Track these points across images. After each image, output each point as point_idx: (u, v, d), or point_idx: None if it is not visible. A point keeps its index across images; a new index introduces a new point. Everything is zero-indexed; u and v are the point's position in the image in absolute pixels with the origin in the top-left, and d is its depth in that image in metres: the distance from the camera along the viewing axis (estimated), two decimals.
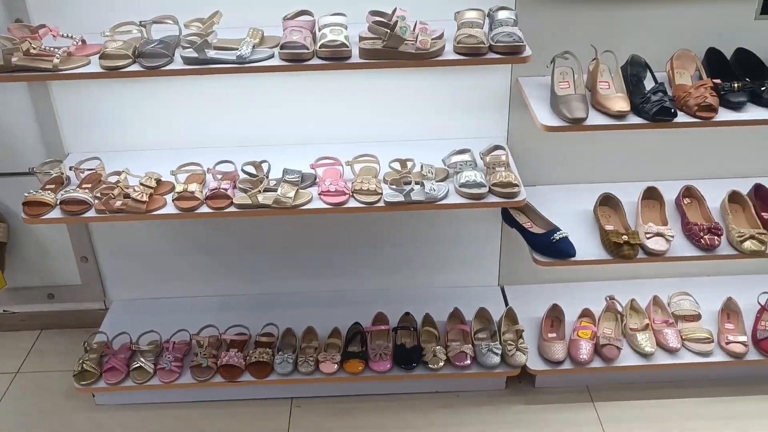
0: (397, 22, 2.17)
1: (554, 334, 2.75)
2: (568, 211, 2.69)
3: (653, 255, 2.45)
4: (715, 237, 2.47)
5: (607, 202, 2.68)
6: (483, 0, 2.38)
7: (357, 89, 2.62)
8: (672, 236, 2.48)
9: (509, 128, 2.71)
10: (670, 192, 2.70)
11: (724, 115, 2.32)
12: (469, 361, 2.66)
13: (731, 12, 2.50)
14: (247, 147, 2.68)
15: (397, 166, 2.47)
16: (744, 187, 2.70)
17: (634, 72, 2.48)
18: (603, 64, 2.46)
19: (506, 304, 2.94)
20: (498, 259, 3.01)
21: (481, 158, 2.50)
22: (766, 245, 2.44)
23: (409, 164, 2.48)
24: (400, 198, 2.35)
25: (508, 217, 2.65)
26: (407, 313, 2.85)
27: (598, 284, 2.99)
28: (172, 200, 2.39)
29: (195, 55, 2.19)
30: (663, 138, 2.70)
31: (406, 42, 2.20)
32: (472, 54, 2.21)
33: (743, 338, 2.67)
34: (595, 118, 2.33)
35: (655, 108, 2.28)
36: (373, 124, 2.69)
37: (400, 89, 2.63)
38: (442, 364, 2.64)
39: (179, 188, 2.39)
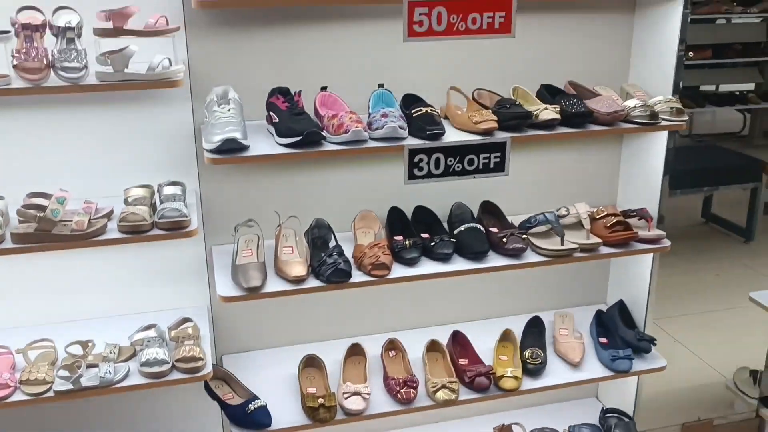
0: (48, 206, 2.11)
1: None
2: (276, 376, 2.64)
3: (351, 414, 2.44)
4: (411, 390, 2.51)
5: (312, 363, 2.66)
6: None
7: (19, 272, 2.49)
8: (368, 394, 2.49)
9: (211, 296, 2.67)
10: (377, 346, 2.74)
11: (398, 271, 2.43)
12: None
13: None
14: None
15: (75, 349, 2.33)
16: (445, 335, 2.81)
17: (320, 234, 2.56)
18: (289, 228, 2.52)
19: None
20: None
21: (169, 332, 2.42)
22: (456, 393, 2.52)
23: (90, 345, 2.35)
24: (69, 386, 2.19)
25: (208, 390, 2.55)
26: None
27: None
28: None
29: None
30: (365, 294, 2.77)
31: (62, 223, 2.13)
32: (135, 231, 2.18)
33: None
34: (276, 285, 2.35)
35: (330, 270, 2.34)
36: (57, 303, 2.55)
37: (82, 267, 2.52)
38: None
39: None
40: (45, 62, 2.02)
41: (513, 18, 2.25)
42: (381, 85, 2.47)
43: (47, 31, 2.07)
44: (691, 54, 5.57)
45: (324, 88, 2.46)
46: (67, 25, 2.06)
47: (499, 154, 2.34)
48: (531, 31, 2.60)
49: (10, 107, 2.28)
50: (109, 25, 2.09)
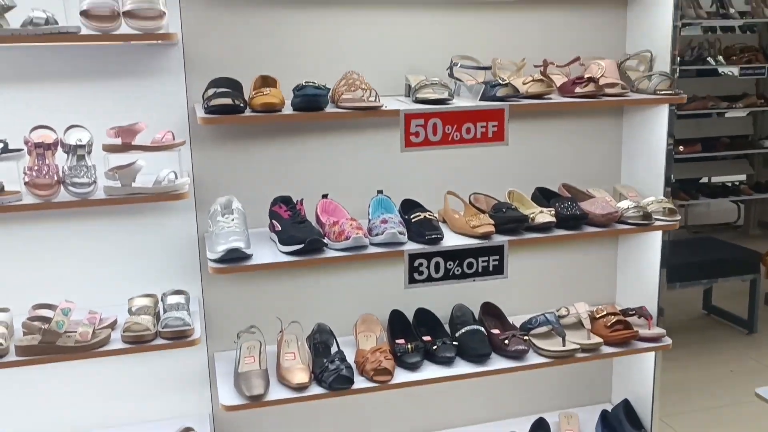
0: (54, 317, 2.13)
1: None
2: None
3: None
4: None
5: None
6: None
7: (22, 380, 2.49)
8: None
9: (213, 403, 2.65)
10: None
11: (401, 376, 2.42)
12: None
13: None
14: None
15: None
16: None
17: (322, 339, 2.56)
18: (291, 334, 2.53)
19: None
20: None
21: None
22: None
23: None
24: None
25: None
26: None
27: None
28: None
29: None
30: (368, 398, 2.74)
31: (67, 334, 2.15)
32: (138, 342, 2.19)
33: None
34: (279, 392, 2.34)
35: (332, 377, 2.34)
36: (60, 413, 2.53)
37: (86, 376, 2.52)
38: None
39: None
40: (56, 179, 2.09)
41: (506, 126, 2.34)
42: (380, 192, 2.54)
43: (59, 148, 2.15)
44: (681, 148, 5.71)
45: (325, 196, 2.53)
46: (78, 143, 2.15)
47: (497, 257, 2.38)
48: (524, 137, 2.70)
49: (19, 221, 2.33)
50: (118, 141, 2.18)
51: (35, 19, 2.00)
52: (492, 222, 2.43)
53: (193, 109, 2.40)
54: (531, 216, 2.47)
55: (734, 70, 5.72)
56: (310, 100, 2.22)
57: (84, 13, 2.04)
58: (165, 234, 2.48)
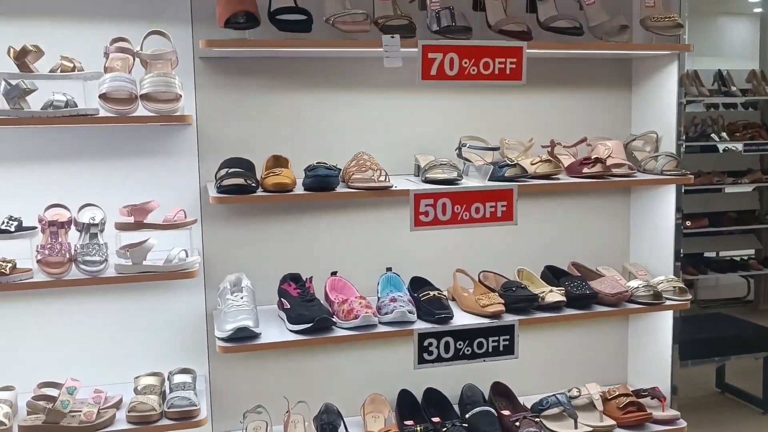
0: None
1: None
2: None
3: None
4: None
5: None
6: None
7: None
8: None
9: None
10: None
11: None
12: None
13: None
14: None
15: None
16: None
17: (329, 420, 2.52)
18: (298, 414, 2.49)
19: None
20: None
21: None
22: None
23: None
24: None
25: None
26: None
27: None
28: None
29: None
30: None
31: (71, 414, 2.12)
32: (143, 422, 2.16)
33: None
34: None
35: None
36: None
37: None
38: None
39: None
40: (68, 257, 2.10)
41: (514, 206, 2.36)
42: (389, 269, 2.55)
43: (72, 226, 2.17)
44: (688, 223, 5.72)
45: (334, 273, 2.53)
46: (91, 221, 2.17)
47: (508, 337, 2.36)
48: (532, 216, 2.72)
49: (28, 298, 2.34)
50: (131, 219, 2.20)
51: (56, 102, 2.06)
52: (502, 301, 2.42)
53: (205, 187, 2.43)
54: (541, 295, 2.46)
55: (738, 146, 5.79)
56: (322, 180, 2.25)
57: (103, 96, 2.10)
58: (173, 311, 2.48)
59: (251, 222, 2.53)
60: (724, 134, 5.72)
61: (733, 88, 5.74)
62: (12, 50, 2.10)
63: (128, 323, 2.44)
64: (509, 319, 2.38)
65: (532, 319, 2.42)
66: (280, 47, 2.26)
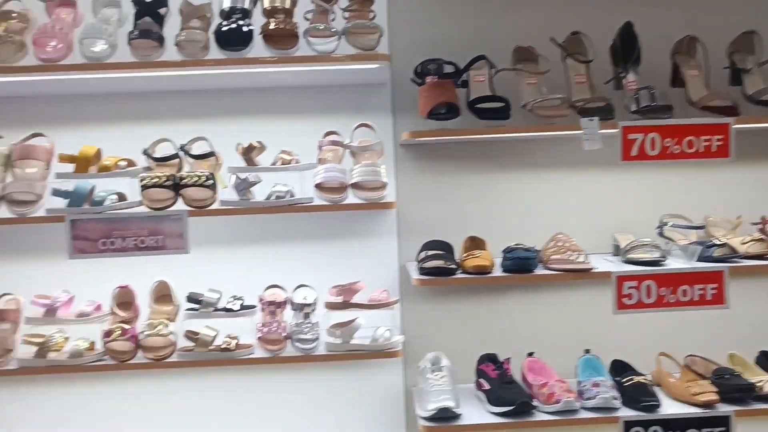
0: None
1: None
2: None
3: None
4: None
5: None
6: None
7: None
8: None
9: None
10: None
11: None
12: None
13: None
14: None
15: None
16: None
17: None
18: None
19: None
20: None
21: None
22: None
23: None
24: None
25: None
26: None
27: None
28: None
29: None
30: None
31: None
32: None
33: None
34: None
35: None
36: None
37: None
38: None
39: None
40: (284, 335, 2.27)
41: (725, 288, 2.24)
42: (587, 351, 2.49)
43: (287, 306, 2.34)
44: None
45: (530, 354, 2.51)
46: (305, 302, 2.33)
47: (723, 429, 2.21)
48: (744, 298, 2.54)
49: (245, 372, 2.51)
50: (339, 299, 2.33)
51: (277, 193, 2.26)
52: (715, 389, 2.27)
53: (404, 268, 2.54)
54: (758, 384, 2.29)
55: None
56: (521, 263, 2.27)
57: (318, 186, 2.28)
58: (374, 387, 2.57)
59: (448, 301, 2.59)
60: None
61: None
62: (240, 147, 2.34)
63: (333, 397, 2.57)
64: (724, 409, 2.23)
65: (750, 411, 2.25)
66: (480, 134, 2.34)
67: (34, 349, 2.24)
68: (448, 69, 2.41)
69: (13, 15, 2.28)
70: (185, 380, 2.53)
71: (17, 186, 2.25)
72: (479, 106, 2.32)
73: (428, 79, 2.38)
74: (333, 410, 2.57)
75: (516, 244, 2.34)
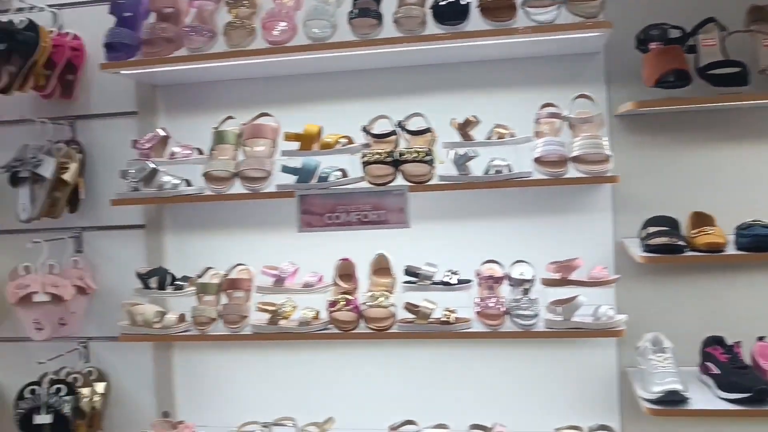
0: None
1: None
2: None
3: None
4: None
5: None
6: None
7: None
8: None
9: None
10: None
11: None
12: None
13: None
14: None
15: None
16: None
17: None
18: None
19: None
20: None
21: None
22: None
23: None
24: None
25: None
26: None
27: None
28: None
29: None
30: None
31: None
32: None
33: None
34: None
35: None
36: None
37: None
38: None
39: None
40: (503, 310, 2.26)
41: None
42: None
43: (505, 281, 2.33)
44: None
45: (761, 338, 2.34)
46: (522, 277, 2.31)
47: None
48: None
49: (467, 345, 2.55)
50: (557, 276, 2.29)
51: (496, 167, 2.25)
52: None
53: (619, 244, 2.44)
54: None
55: None
56: (760, 240, 2.12)
57: (537, 160, 2.24)
58: (587, 366, 2.52)
59: (668, 280, 2.46)
60: None
61: None
62: (455, 122, 2.34)
63: (548, 374, 2.54)
64: None
65: None
66: (716, 103, 2.19)
67: (267, 316, 2.39)
68: (674, 34, 2.28)
69: (243, 2, 2.42)
70: (401, 351, 2.61)
71: (249, 163, 2.39)
72: (712, 72, 2.18)
73: (652, 45, 2.26)
74: (544, 387, 2.54)
75: (753, 220, 2.18)
